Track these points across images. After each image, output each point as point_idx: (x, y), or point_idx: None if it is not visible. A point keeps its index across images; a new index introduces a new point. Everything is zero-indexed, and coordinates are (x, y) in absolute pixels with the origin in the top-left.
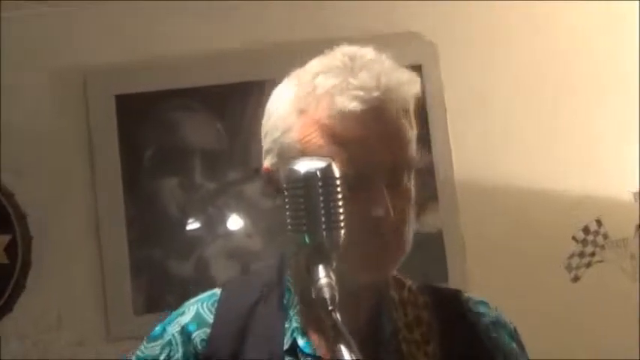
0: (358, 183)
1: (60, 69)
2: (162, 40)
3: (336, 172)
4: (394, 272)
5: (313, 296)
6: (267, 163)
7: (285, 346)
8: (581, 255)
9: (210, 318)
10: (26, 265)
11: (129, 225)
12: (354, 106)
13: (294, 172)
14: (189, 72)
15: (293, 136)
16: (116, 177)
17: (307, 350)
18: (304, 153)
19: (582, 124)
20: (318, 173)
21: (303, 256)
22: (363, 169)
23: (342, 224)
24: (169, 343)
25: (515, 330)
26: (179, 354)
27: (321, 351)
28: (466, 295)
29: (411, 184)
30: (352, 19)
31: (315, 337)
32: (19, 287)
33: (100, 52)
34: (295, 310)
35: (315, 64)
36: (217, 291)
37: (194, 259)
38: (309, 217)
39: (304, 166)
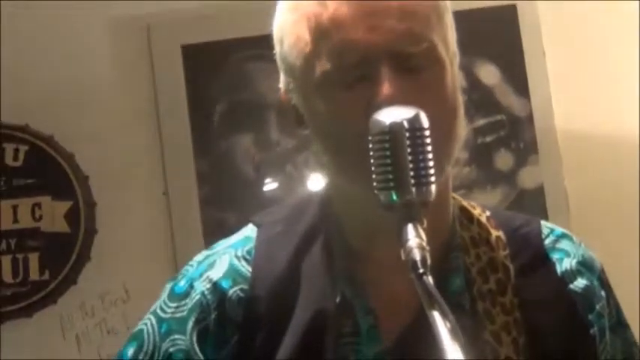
0: (358, 74)
1: (120, 17)
2: None
3: (425, 122)
4: (455, 197)
5: (402, 258)
6: (282, 86)
7: (337, 300)
8: None
9: (247, 271)
10: (90, 234)
11: (200, 186)
12: None
13: (379, 122)
14: (263, 18)
15: (287, 44)
16: (185, 134)
17: (363, 306)
18: (300, 61)
19: None
20: (405, 123)
21: (392, 215)
22: (360, 56)
23: (433, 179)
24: (199, 304)
25: (602, 270)
26: (212, 317)
27: (378, 306)
28: (546, 227)
29: (445, 71)
30: None
31: (371, 290)
32: (83, 258)
33: None
34: (345, 257)
35: None
36: (251, 233)
37: None
38: (396, 172)
39: (389, 116)
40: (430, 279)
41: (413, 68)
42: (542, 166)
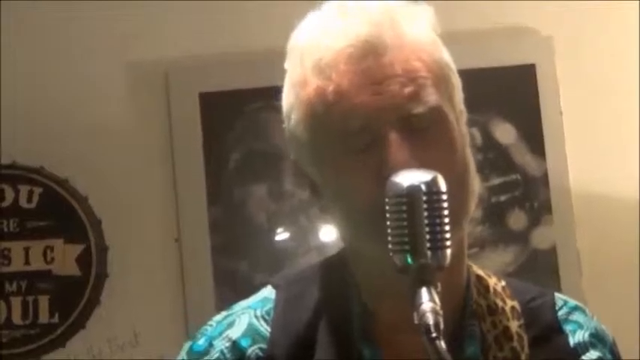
0: (365, 140)
1: (139, 63)
2: (252, 32)
3: (443, 186)
4: (469, 265)
5: (415, 321)
6: (292, 158)
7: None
8: None
9: (265, 330)
10: (101, 278)
11: (212, 234)
12: (338, 45)
13: (396, 185)
14: (280, 68)
15: (294, 119)
16: (199, 182)
17: None
18: (308, 133)
19: None
20: (422, 187)
21: (406, 278)
22: (366, 121)
23: (449, 243)
24: None
25: (614, 343)
26: None
27: None
28: (559, 299)
29: (451, 129)
30: (459, 12)
31: (388, 352)
32: (93, 302)
33: (183, 45)
34: (361, 318)
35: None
36: (269, 294)
37: None
38: (412, 235)
39: (407, 178)
40: (442, 344)
41: (419, 128)
42: (556, 227)
